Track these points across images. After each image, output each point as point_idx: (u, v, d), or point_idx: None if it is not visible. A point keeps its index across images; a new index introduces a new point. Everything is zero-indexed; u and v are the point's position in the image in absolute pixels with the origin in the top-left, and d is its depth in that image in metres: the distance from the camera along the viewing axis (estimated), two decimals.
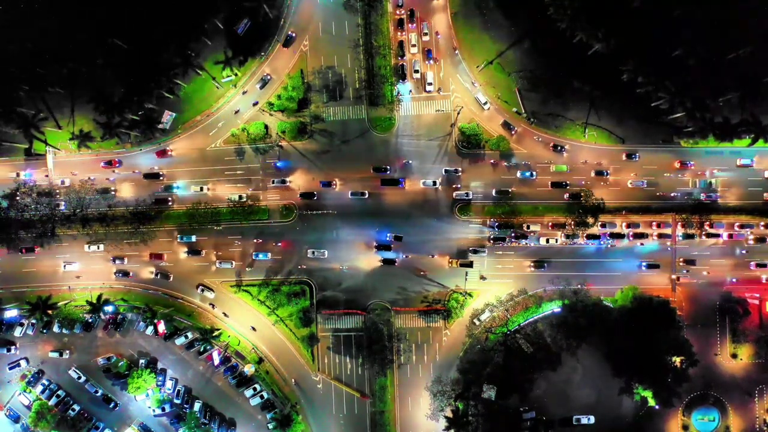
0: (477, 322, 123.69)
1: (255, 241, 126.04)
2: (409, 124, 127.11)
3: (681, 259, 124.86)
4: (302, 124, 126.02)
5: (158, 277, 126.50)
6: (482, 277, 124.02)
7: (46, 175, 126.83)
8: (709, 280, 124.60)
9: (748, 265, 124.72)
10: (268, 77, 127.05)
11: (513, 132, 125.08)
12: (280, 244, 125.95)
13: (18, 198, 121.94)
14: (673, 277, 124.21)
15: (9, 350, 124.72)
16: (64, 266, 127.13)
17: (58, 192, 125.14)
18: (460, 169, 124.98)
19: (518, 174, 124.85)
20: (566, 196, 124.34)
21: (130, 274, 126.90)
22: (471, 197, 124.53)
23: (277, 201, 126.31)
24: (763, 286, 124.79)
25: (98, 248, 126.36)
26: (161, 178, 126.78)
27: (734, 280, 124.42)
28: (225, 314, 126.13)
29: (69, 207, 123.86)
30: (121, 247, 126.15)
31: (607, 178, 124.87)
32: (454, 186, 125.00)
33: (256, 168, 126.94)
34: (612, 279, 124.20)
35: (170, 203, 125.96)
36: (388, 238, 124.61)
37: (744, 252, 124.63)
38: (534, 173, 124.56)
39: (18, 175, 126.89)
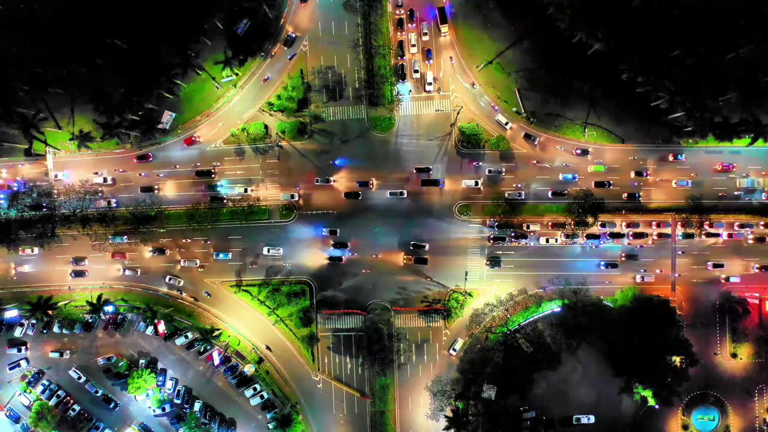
0: (453, 352, 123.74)
1: (184, 240, 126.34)
2: (408, 124, 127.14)
3: (623, 254, 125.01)
4: (302, 124, 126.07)
5: (125, 273, 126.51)
6: (428, 278, 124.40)
7: (46, 174, 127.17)
8: (661, 278, 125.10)
9: (707, 265, 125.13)
10: (293, 35, 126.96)
11: (536, 143, 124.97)
12: (209, 242, 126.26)
13: (19, 198, 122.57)
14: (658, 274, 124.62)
15: (20, 350, 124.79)
16: (15, 268, 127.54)
17: (101, 191, 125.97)
18: (503, 169, 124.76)
19: (560, 176, 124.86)
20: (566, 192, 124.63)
21: (86, 274, 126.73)
22: (524, 197, 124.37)
23: (322, 202, 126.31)
24: (723, 285, 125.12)
25: (32, 251, 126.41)
26: (213, 176, 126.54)
27: (678, 275, 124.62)
28: (195, 298, 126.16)
29: (121, 205, 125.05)
30: (120, 248, 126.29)
31: (647, 178, 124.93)
32: (515, 186, 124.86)
33: (256, 168, 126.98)
34: (573, 279, 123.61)
35: (226, 202, 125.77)
36: (323, 234, 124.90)
37: (681, 253, 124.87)
38: (576, 175, 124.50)
39: (56, 176, 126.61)
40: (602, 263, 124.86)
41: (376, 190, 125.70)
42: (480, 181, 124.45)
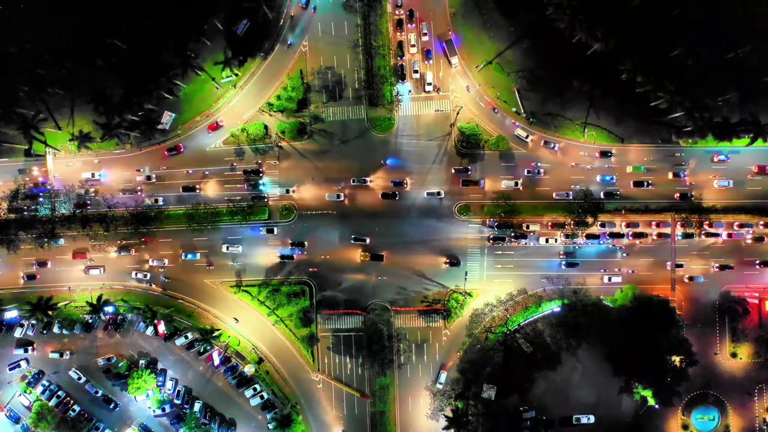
0: (439, 385, 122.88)
1: (119, 242, 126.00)
2: (408, 125, 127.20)
3: (562, 253, 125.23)
4: (302, 125, 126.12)
5: (89, 273, 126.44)
6: (378, 276, 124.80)
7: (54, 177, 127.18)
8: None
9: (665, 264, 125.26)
10: None
11: (555, 149, 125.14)
12: (143, 239, 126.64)
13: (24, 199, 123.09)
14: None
15: (26, 350, 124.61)
16: None
17: (140, 189, 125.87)
18: (543, 170, 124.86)
19: (598, 178, 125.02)
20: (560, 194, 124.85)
21: (37, 277, 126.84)
22: (571, 197, 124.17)
23: (361, 202, 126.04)
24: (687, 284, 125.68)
25: None
26: (261, 174, 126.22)
27: (629, 271, 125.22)
28: (164, 288, 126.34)
29: (168, 203, 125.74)
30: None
31: (684, 178, 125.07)
32: (572, 187, 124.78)
33: (255, 168, 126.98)
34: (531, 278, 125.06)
35: (266, 200, 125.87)
36: (261, 233, 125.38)
37: (626, 255, 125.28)
38: (614, 177, 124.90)
39: (93, 175, 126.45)
40: (563, 263, 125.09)
41: (410, 190, 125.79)
42: (520, 182, 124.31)
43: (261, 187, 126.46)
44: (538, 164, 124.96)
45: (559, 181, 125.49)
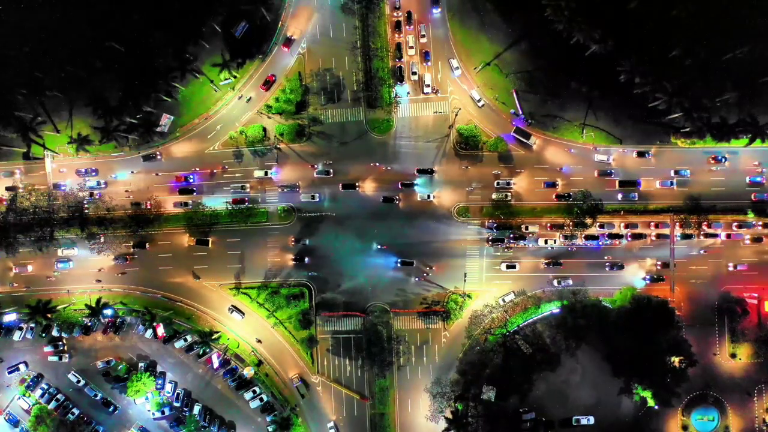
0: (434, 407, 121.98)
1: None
2: (407, 126, 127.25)
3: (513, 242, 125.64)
4: (300, 127, 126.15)
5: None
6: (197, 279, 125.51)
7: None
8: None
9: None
10: None
11: (611, 160, 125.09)
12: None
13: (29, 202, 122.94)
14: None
15: (56, 348, 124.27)
16: None
17: (297, 186, 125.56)
18: (690, 172, 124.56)
19: (747, 179, 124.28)
20: (554, 196, 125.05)
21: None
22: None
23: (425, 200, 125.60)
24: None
25: None
26: (434, 173, 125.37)
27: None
28: (27, 287, 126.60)
29: (281, 204, 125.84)
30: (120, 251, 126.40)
31: None
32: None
33: (253, 170, 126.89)
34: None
35: (398, 202, 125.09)
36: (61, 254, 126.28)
37: (578, 250, 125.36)
38: (762, 178, 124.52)
39: (266, 173, 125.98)
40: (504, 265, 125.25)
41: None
42: (674, 181, 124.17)
43: (415, 188, 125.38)
44: (685, 170, 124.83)
45: (698, 183, 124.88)
